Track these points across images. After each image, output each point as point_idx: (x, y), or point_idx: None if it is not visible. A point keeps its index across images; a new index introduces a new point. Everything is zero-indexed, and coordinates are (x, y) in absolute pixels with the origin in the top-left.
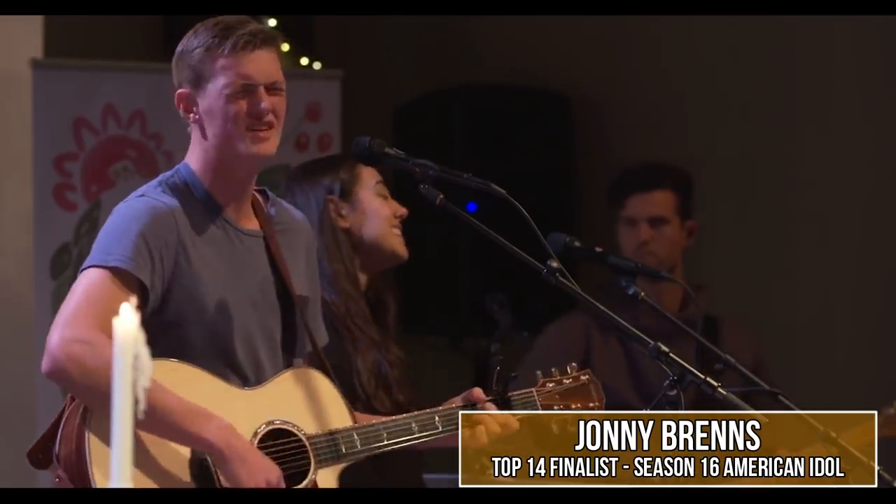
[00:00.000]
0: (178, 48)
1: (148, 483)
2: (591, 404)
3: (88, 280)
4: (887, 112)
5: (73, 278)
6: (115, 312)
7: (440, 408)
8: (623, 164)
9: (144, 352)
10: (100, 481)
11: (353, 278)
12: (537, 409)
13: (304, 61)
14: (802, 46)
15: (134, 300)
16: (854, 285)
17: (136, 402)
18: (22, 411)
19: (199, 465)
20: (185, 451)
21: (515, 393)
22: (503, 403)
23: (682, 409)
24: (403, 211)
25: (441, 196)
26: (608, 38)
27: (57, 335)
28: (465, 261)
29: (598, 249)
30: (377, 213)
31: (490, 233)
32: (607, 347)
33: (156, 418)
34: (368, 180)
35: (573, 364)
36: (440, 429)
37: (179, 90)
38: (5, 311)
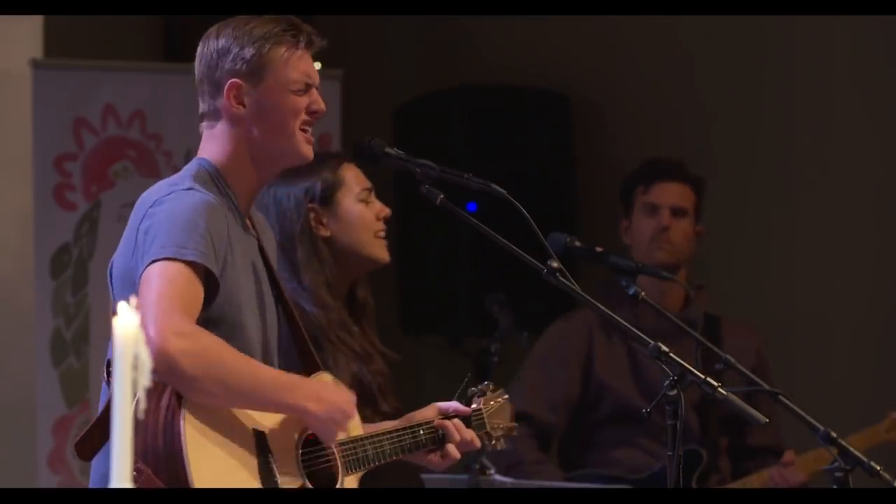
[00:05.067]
0: (220, 43)
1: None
2: (513, 423)
3: (168, 272)
4: (889, 113)
5: (73, 278)
6: (198, 306)
7: (422, 421)
8: (623, 164)
9: (144, 352)
10: (198, 471)
11: (333, 288)
12: (485, 429)
13: None
14: (802, 46)
15: (202, 294)
16: (854, 286)
17: (136, 401)
18: (22, 411)
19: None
20: (251, 441)
21: (473, 408)
22: (465, 418)
23: (681, 410)
24: (387, 212)
25: (441, 196)
26: (608, 38)
27: (155, 330)
28: (465, 261)
29: (598, 249)
30: (359, 220)
31: (490, 233)
32: (610, 347)
33: (264, 393)
34: (352, 185)
35: (488, 383)
36: (429, 445)
37: (232, 80)
38: (5, 311)
